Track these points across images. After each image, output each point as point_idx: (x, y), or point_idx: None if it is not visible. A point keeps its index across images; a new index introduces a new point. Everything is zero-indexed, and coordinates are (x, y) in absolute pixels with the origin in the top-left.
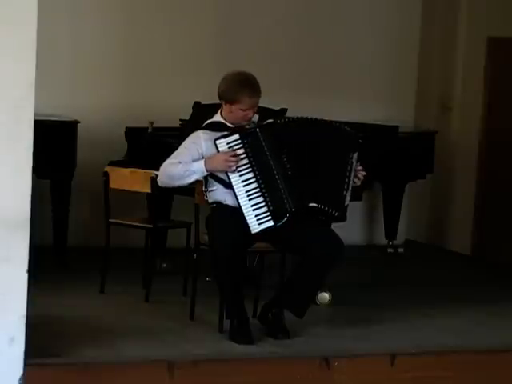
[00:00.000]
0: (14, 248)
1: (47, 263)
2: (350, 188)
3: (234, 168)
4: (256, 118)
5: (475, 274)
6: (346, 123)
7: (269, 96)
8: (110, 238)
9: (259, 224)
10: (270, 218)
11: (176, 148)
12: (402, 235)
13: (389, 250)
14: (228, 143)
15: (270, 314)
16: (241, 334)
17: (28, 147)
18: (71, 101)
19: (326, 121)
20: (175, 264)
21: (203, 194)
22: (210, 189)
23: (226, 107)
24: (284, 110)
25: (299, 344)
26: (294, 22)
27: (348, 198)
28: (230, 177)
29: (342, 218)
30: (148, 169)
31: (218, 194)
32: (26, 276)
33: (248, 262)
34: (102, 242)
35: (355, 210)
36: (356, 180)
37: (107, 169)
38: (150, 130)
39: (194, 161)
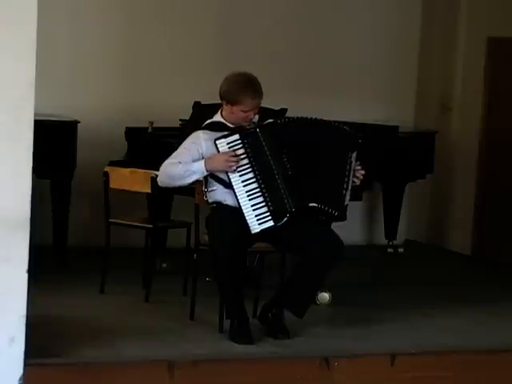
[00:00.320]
0: (14, 248)
1: (47, 263)
2: (350, 187)
3: (235, 168)
4: (256, 118)
5: (475, 274)
6: (345, 123)
7: (269, 96)
8: (110, 237)
9: (259, 224)
10: (270, 218)
11: (176, 148)
12: (402, 235)
13: (389, 250)
14: (228, 143)
15: (269, 314)
16: (241, 334)
17: (28, 147)
18: (71, 101)
19: (325, 121)
20: (175, 264)
21: (203, 194)
22: (210, 189)
23: (227, 108)
24: (284, 110)
25: (299, 344)
26: (294, 21)
27: (348, 197)
28: (230, 177)
29: (342, 217)
30: (148, 169)
31: (218, 194)
32: (25, 276)
33: (248, 261)
34: (102, 242)
35: (355, 209)
36: (355, 180)
37: (107, 169)
38: (149, 130)
39: (194, 161)
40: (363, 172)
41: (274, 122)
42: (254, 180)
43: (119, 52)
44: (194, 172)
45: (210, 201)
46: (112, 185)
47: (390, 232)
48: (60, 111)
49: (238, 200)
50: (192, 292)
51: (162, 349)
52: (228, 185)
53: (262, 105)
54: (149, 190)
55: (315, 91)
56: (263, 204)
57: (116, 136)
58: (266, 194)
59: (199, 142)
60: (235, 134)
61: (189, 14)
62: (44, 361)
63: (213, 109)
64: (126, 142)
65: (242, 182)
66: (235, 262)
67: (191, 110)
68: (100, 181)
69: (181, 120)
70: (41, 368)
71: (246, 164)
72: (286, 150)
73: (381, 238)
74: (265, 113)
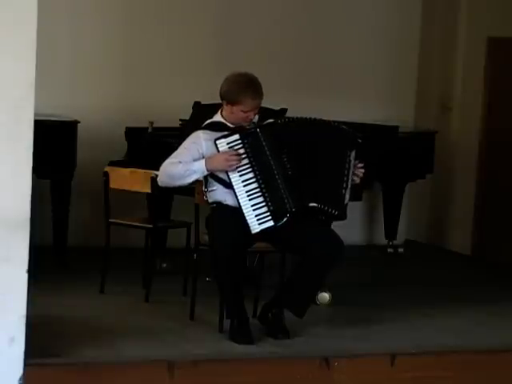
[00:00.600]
0: (14, 248)
1: (47, 263)
2: (350, 186)
3: (235, 167)
4: (256, 118)
5: (475, 274)
6: (345, 123)
7: (268, 96)
8: (110, 237)
9: (259, 224)
10: (270, 218)
11: (176, 148)
12: (402, 235)
13: (389, 250)
14: (228, 143)
15: (270, 314)
16: (241, 334)
17: (28, 147)
18: (71, 101)
19: (324, 120)
20: (175, 264)
21: (203, 194)
22: (210, 189)
23: (227, 108)
24: (284, 110)
25: (299, 344)
26: (294, 22)
27: (347, 196)
28: (231, 177)
29: (342, 216)
30: (148, 169)
31: (218, 193)
32: (25, 276)
33: (248, 261)
34: (102, 241)
35: (355, 209)
36: (355, 178)
37: (107, 169)
38: (149, 130)
39: (194, 161)
40: (363, 170)
41: (274, 122)
42: (254, 180)
43: (119, 52)
44: (195, 171)
45: (210, 201)
46: (112, 185)
47: (390, 232)
48: (60, 111)
49: (238, 200)
50: (192, 292)
51: (162, 349)
52: (228, 185)
53: (262, 105)
54: (149, 190)
55: (315, 91)
56: (263, 204)
57: (116, 136)
58: (266, 194)
59: (199, 142)
60: (235, 133)
61: (188, 14)
62: (44, 361)
63: (213, 109)
64: (126, 142)
65: (242, 181)
66: (235, 262)
67: (191, 110)
68: (100, 181)
69: (181, 120)
70: (41, 368)
71: (246, 164)
72: (286, 149)
73: (381, 238)
74: (265, 113)
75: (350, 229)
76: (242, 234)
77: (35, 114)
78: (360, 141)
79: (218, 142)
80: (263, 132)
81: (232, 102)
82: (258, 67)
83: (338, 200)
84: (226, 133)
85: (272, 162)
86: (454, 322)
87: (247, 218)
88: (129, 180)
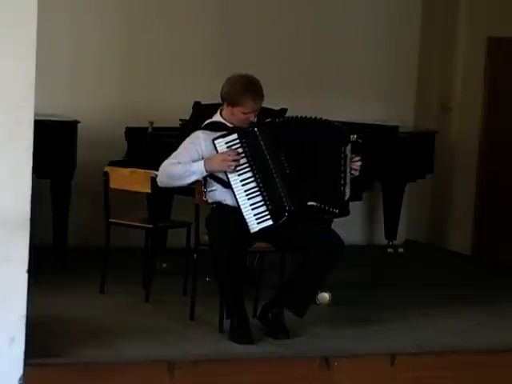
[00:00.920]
0: (13, 248)
1: (47, 263)
2: (349, 181)
3: (233, 168)
4: (255, 118)
5: (475, 274)
6: (345, 123)
7: (268, 96)
8: (110, 237)
9: (258, 223)
10: (268, 217)
11: (176, 148)
12: (402, 235)
13: (389, 250)
14: (226, 143)
15: (270, 314)
16: (241, 334)
17: (28, 147)
18: (71, 101)
19: (321, 119)
20: (175, 264)
21: (202, 194)
22: (209, 189)
23: (227, 109)
24: (284, 110)
25: (299, 344)
26: (294, 22)
27: (347, 191)
28: (229, 176)
29: (345, 213)
30: (148, 169)
31: (217, 194)
32: (25, 276)
33: (248, 261)
34: (102, 241)
35: (355, 209)
36: (353, 172)
37: (107, 169)
38: (149, 130)
39: (193, 161)
40: (360, 163)
41: (271, 121)
42: (252, 179)
43: (119, 52)
44: (194, 172)
45: (209, 201)
46: (112, 185)
47: (390, 232)
48: (60, 111)
49: (236, 199)
50: (192, 292)
51: (162, 349)
52: (227, 184)
53: (262, 105)
54: (149, 190)
55: (315, 91)
56: (262, 203)
57: (116, 136)
58: (265, 193)
59: (199, 142)
60: (233, 133)
61: (188, 14)
62: (44, 361)
63: (213, 109)
64: (126, 142)
65: (241, 181)
66: (235, 262)
67: (191, 110)
68: (100, 181)
69: (181, 120)
70: (41, 368)
71: (245, 163)
72: (284, 148)
73: (381, 238)
74: (265, 113)
75: (350, 229)
76: (241, 234)
77: (35, 114)
78: (360, 141)
79: (216, 141)
80: (261, 131)
81: (233, 104)
82: (258, 67)
83: (338, 197)
84: (224, 132)
85: (270, 161)
86: (454, 321)
87: (246, 217)
88: (129, 180)
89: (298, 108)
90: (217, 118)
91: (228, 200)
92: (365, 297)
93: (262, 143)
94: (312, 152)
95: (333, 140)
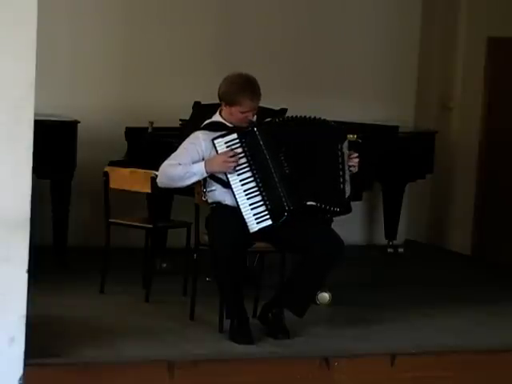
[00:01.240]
0: (13, 248)
1: (47, 263)
2: (348, 178)
3: (233, 168)
4: (254, 118)
5: (475, 274)
6: (345, 123)
7: (268, 96)
8: (110, 237)
9: (257, 223)
10: (268, 216)
11: (176, 148)
12: (402, 235)
13: (389, 250)
14: (226, 142)
15: (270, 314)
16: (241, 334)
17: (28, 147)
18: (71, 101)
19: (319, 119)
20: (175, 264)
21: (202, 195)
22: (208, 189)
23: (225, 109)
24: (284, 110)
25: (299, 344)
26: (294, 22)
27: (348, 188)
28: (228, 176)
29: (347, 210)
30: (148, 169)
31: (217, 194)
32: (25, 276)
33: (248, 261)
34: (102, 242)
35: (355, 209)
36: (352, 168)
37: (107, 169)
38: (149, 130)
39: (193, 162)
40: (357, 160)
41: (271, 121)
42: (251, 179)
43: (119, 52)
44: (194, 174)
45: (209, 201)
46: (112, 185)
47: (390, 232)
48: (60, 111)
49: (236, 199)
50: (192, 292)
51: (162, 349)
52: (226, 184)
53: (262, 105)
54: (149, 190)
55: (315, 91)
56: (261, 203)
57: (116, 136)
58: (264, 193)
59: (199, 143)
60: (233, 133)
61: (188, 14)
62: (44, 361)
63: (213, 109)
64: (126, 142)
65: (240, 181)
66: (235, 262)
67: (191, 110)
68: (100, 181)
69: (181, 120)
70: (41, 368)
71: (244, 163)
72: (283, 148)
73: (381, 238)
74: (265, 113)
75: (350, 229)
76: (241, 234)
77: (35, 114)
78: (360, 141)
79: (215, 141)
80: (260, 131)
81: (230, 103)
82: (258, 67)
83: (338, 196)
84: (223, 132)
85: (269, 161)
86: (454, 321)
87: (245, 217)
88: (129, 180)
89: (297, 108)
90: (216, 117)
91: (228, 200)
92: (365, 297)
93: (261, 143)
94: (311, 152)
95: (329, 139)
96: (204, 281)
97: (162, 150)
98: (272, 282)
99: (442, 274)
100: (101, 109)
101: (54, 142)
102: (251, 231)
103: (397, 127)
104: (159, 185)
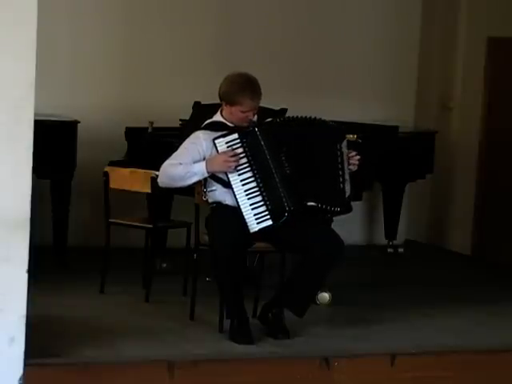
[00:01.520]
0: (13, 248)
1: (47, 263)
2: (348, 178)
3: (234, 168)
4: (255, 118)
5: (475, 274)
6: (345, 123)
7: (268, 96)
8: (110, 237)
9: (258, 223)
10: (268, 217)
11: (176, 148)
12: (402, 235)
13: (389, 250)
14: (227, 142)
15: (270, 314)
16: (241, 333)
17: (28, 147)
18: (71, 101)
19: (319, 119)
20: (175, 264)
21: (202, 194)
22: (209, 189)
23: (226, 108)
24: (284, 110)
25: (299, 344)
26: (294, 22)
27: (348, 187)
28: (229, 176)
29: (347, 210)
30: (148, 169)
31: (217, 194)
32: (25, 276)
33: (248, 261)
34: (102, 241)
35: (355, 210)
36: (352, 166)
37: (107, 169)
38: (150, 130)
39: (194, 162)
40: (358, 157)
41: (272, 121)
42: (252, 179)
43: (119, 52)
44: (195, 173)
45: (209, 201)
46: (112, 185)
47: (390, 232)
48: (60, 111)
49: (236, 199)
50: (192, 292)
51: (162, 349)
52: (227, 184)
53: (262, 105)
54: (149, 190)
55: (315, 91)
56: (262, 203)
57: (116, 136)
58: (265, 193)
59: (199, 142)
60: (234, 133)
61: (189, 14)
62: (44, 361)
63: (213, 109)
64: (126, 142)
65: (241, 181)
66: (235, 262)
67: (191, 110)
68: (100, 181)
69: (181, 120)
70: (41, 368)
71: (245, 163)
72: (284, 148)
73: (381, 238)
74: (265, 113)
75: (350, 229)
76: (242, 234)
77: (35, 114)
78: (360, 141)
79: (216, 141)
80: (261, 131)
81: (231, 103)
82: (258, 67)
83: (339, 196)
84: (224, 132)
85: (270, 161)
86: (454, 321)
87: (246, 217)
88: (129, 180)
89: (298, 108)
90: (217, 117)
91: (228, 200)
92: (365, 297)
93: (262, 143)
94: (311, 152)
95: (328, 139)
96: (204, 281)
97: (162, 150)
98: (272, 282)
99: (442, 274)
100: (101, 109)
101: (54, 142)
102: (251, 231)
103: (397, 127)
104: (160, 184)
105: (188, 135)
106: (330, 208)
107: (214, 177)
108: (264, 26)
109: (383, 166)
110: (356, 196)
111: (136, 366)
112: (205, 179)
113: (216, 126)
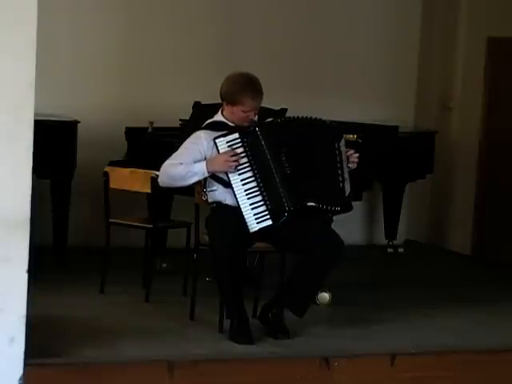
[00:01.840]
0: (13, 248)
1: (47, 263)
2: (347, 176)
3: (234, 167)
4: (256, 118)
5: (475, 274)
6: (345, 123)
7: (269, 96)
8: (110, 237)
9: (258, 223)
10: (268, 217)
11: (176, 148)
12: (402, 235)
13: (389, 250)
14: (227, 142)
15: (270, 314)
16: (241, 333)
17: (28, 147)
18: (71, 101)
19: (320, 119)
20: (175, 264)
21: (202, 194)
22: (209, 189)
23: (227, 108)
24: (284, 110)
25: (299, 344)
26: (294, 22)
27: (347, 186)
28: (229, 175)
29: (347, 209)
30: (148, 169)
31: (217, 193)
32: (25, 276)
33: (248, 261)
34: (102, 242)
35: (355, 209)
36: (351, 165)
37: (107, 169)
38: (149, 130)
39: (195, 161)
40: (357, 155)
41: (272, 121)
42: (252, 179)
43: (119, 52)
44: (196, 173)
45: (209, 201)
46: (112, 185)
47: (390, 232)
48: (60, 111)
49: (236, 199)
50: (192, 292)
51: (162, 349)
52: (227, 184)
53: (262, 105)
54: (149, 190)
55: (315, 91)
56: (262, 203)
57: (116, 136)
58: (265, 193)
59: (200, 142)
60: (235, 132)
61: (189, 14)
62: (44, 361)
63: (213, 109)
64: (126, 142)
65: (241, 180)
66: (235, 262)
67: (191, 110)
68: (100, 181)
69: (181, 120)
70: (41, 368)
71: (245, 163)
72: (284, 148)
73: (381, 238)
74: (265, 113)
75: (350, 229)
76: (242, 234)
77: (35, 114)
78: (360, 141)
79: (217, 140)
80: (262, 131)
81: (232, 103)
82: (258, 67)
83: (338, 195)
84: (225, 132)
85: (271, 161)
86: (454, 321)
87: (245, 216)
88: (129, 180)
89: (298, 108)
90: (218, 117)
91: (228, 200)
92: (365, 297)
93: (262, 143)
94: (311, 152)
95: (326, 138)
96: (204, 281)
97: (162, 150)
98: (272, 282)
99: (442, 274)
100: (101, 109)
101: (54, 142)
102: (251, 231)
103: (397, 127)
104: (160, 184)
105: (188, 135)
106: (330, 208)
107: (214, 177)
108: (264, 26)
109: (383, 166)
110: (356, 196)
111: (136, 365)
112: (205, 179)
113: (217, 126)
